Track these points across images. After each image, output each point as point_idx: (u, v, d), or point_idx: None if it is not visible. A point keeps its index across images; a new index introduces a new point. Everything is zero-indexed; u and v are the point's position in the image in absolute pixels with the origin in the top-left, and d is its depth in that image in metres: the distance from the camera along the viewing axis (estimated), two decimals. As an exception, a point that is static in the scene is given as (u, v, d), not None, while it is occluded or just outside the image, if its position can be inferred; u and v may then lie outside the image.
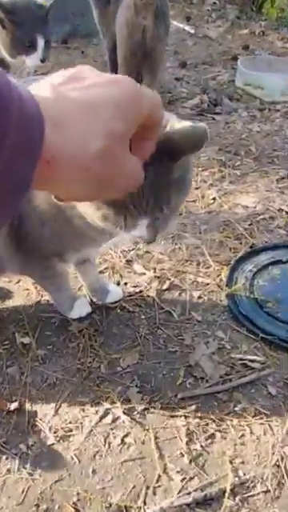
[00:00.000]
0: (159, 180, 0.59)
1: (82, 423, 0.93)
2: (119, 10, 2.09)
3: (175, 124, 0.60)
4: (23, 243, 0.91)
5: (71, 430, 0.92)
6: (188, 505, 0.81)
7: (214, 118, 2.11)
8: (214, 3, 3.57)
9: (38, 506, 0.81)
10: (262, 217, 1.49)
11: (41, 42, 1.41)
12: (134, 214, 0.62)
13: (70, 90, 0.36)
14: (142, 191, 0.60)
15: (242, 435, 0.92)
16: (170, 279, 1.25)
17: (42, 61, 1.42)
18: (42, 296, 1.19)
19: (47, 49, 1.44)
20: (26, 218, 0.87)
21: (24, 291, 1.21)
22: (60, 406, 0.96)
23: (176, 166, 0.60)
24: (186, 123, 0.60)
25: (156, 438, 0.91)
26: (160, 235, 0.68)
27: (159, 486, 0.84)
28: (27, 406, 0.96)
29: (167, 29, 2.08)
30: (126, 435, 0.91)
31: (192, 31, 3.10)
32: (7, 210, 0.33)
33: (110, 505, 0.81)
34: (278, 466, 0.87)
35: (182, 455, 0.88)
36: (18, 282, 1.23)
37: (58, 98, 0.35)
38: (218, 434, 0.92)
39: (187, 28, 3.12)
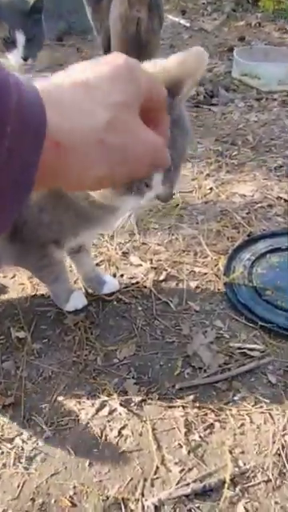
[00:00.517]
0: (175, 123, 0.57)
1: (78, 416, 0.91)
2: (112, 4, 2.08)
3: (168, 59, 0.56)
4: (19, 233, 0.90)
5: (67, 423, 0.90)
6: (187, 496, 0.79)
7: (210, 109, 2.09)
8: (210, -5, 3.55)
9: (33, 500, 0.80)
10: (259, 205, 1.46)
11: (21, 39, 1.32)
12: (150, 177, 0.60)
13: (64, 77, 0.36)
14: None
15: (242, 425, 0.90)
16: (166, 270, 1.23)
17: (24, 59, 1.35)
18: (37, 290, 1.17)
19: (31, 46, 1.37)
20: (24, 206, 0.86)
21: (19, 286, 1.19)
22: (56, 400, 0.94)
23: (175, 102, 0.57)
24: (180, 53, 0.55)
25: (154, 429, 0.89)
26: (176, 188, 0.66)
27: (157, 478, 0.82)
28: (23, 400, 0.94)
29: (161, 21, 2.07)
30: (123, 427, 0.89)
31: (187, 24, 3.07)
32: (15, 199, 0.32)
33: (107, 497, 0.80)
34: (279, 454, 0.85)
35: (181, 446, 0.86)
36: (14, 276, 1.22)
37: (53, 84, 0.35)
38: (217, 424, 0.90)
39: (183, 21, 3.09)
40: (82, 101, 0.34)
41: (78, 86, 0.35)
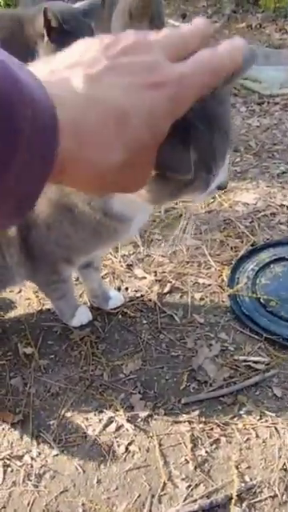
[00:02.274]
0: (226, 109, 0.53)
1: (85, 432, 0.93)
2: (114, 15, 2.09)
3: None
4: (31, 250, 0.91)
5: (75, 440, 0.92)
6: (194, 512, 0.80)
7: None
8: (210, -2, 3.54)
9: (43, 518, 0.81)
10: (262, 213, 1.46)
11: None
12: (218, 163, 0.55)
13: (109, 87, 0.32)
14: (219, 131, 0.52)
15: (248, 439, 0.91)
16: (170, 282, 1.24)
17: None
18: (43, 305, 1.19)
19: None
20: (32, 225, 0.87)
21: (25, 301, 1.21)
22: (64, 416, 0.96)
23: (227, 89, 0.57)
24: None
25: (160, 445, 0.90)
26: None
27: (164, 494, 0.83)
28: (31, 417, 0.96)
29: (162, 27, 2.07)
30: (130, 443, 0.90)
31: (188, 28, 3.06)
32: (11, 221, 0.33)
33: (116, 515, 0.81)
34: (286, 469, 0.86)
35: (187, 462, 0.87)
36: (20, 291, 1.23)
37: (89, 100, 0.31)
38: (222, 439, 0.91)
39: (183, 25, 3.09)
40: (105, 131, 0.31)
41: (112, 111, 0.31)
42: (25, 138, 0.27)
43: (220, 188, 0.62)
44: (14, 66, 0.27)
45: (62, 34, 1.40)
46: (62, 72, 0.32)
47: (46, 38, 1.43)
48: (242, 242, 1.36)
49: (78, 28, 1.43)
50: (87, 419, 0.95)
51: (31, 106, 0.27)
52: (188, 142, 0.50)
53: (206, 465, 0.87)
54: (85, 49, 0.34)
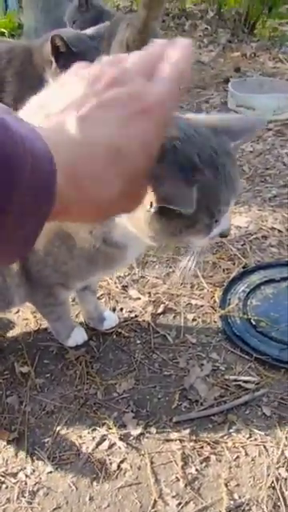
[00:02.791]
0: (233, 161, 0.58)
1: (79, 450, 0.95)
2: (113, 45, 2.19)
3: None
4: (28, 273, 0.95)
5: (69, 458, 0.94)
6: (183, 530, 0.82)
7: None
8: (206, 29, 3.69)
9: (36, 535, 0.83)
10: (254, 236, 1.51)
11: None
12: (221, 210, 0.58)
13: (101, 124, 0.34)
14: (225, 180, 0.56)
15: (237, 457, 0.93)
16: (164, 303, 1.27)
17: None
18: (40, 325, 1.23)
19: None
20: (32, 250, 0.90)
21: (23, 321, 1.24)
22: (58, 434, 0.98)
23: (235, 146, 0.60)
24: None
25: (152, 462, 0.92)
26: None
27: (155, 512, 0.85)
28: (26, 434, 0.98)
29: None
30: (122, 461, 0.93)
31: (185, 57, 3.19)
32: (12, 259, 0.35)
33: (107, 532, 0.83)
34: (274, 487, 0.88)
35: (178, 479, 0.89)
36: (18, 311, 1.27)
37: (84, 138, 0.33)
38: (212, 457, 0.93)
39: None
40: (104, 173, 0.33)
41: (108, 149, 0.33)
42: (23, 188, 0.29)
43: (222, 235, 0.65)
44: (13, 122, 0.30)
45: (71, 57, 1.46)
46: (56, 117, 0.35)
47: (54, 65, 1.51)
48: (234, 264, 1.40)
49: (87, 50, 1.50)
50: (81, 437, 0.97)
51: (31, 158, 0.29)
52: (191, 181, 0.55)
53: (196, 482, 0.89)
54: (73, 88, 0.37)
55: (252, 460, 0.92)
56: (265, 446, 0.94)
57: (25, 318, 1.25)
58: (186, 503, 0.86)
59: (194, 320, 1.23)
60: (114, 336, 1.19)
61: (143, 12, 1.92)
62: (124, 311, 1.26)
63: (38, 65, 1.58)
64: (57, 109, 0.36)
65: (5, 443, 0.97)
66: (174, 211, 0.54)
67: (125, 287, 1.34)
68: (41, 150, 0.31)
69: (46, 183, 0.31)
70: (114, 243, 0.82)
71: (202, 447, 0.94)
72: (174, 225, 0.59)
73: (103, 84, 0.36)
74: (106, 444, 0.96)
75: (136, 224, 0.65)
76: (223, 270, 1.38)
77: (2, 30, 3.73)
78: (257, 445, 0.95)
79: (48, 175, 0.31)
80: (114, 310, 1.26)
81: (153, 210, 0.56)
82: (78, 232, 0.83)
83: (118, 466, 0.92)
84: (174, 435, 0.96)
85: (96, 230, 0.81)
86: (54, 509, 0.86)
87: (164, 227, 0.59)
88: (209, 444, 0.95)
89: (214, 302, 1.27)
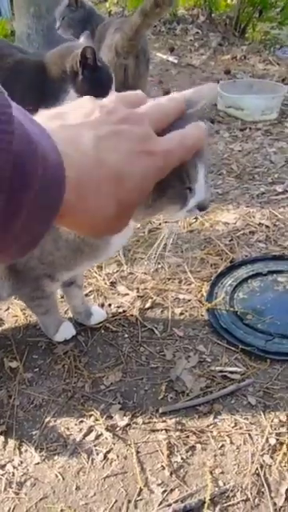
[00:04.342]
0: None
1: (66, 441, 0.96)
2: (102, 49, 2.23)
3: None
4: (14, 266, 0.96)
5: (56, 449, 0.95)
6: (168, 516, 0.83)
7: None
8: (197, 33, 3.74)
9: (23, 524, 0.84)
10: (242, 232, 1.53)
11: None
12: (189, 175, 0.57)
13: (112, 150, 0.36)
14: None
15: (222, 446, 0.94)
16: (152, 298, 1.29)
17: None
18: (29, 322, 1.24)
19: None
20: None
21: (13, 318, 1.26)
22: (46, 426, 0.99)
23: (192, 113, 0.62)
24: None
25: (138, 452, 0.93)
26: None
27: (140, 500, 0.86)
28: (14, 427, 0.99)
29: (148, 64, 2.21)
30: (108, 451, 0.94)
31: (175, 61, 3.24)
32: (14, 258, 0.36)
33: (93, 520, 0.84)
34: (258, 474, 0.89)
35: (163, 468, 0.91)
36: (8, 309, 1.29)
37: (95, 162, 0.35)
38: (198, 446, 0.94)
39: (171, 58, 3.26)
40: (104, 190, 0.36)
41: (113, 174, 0.36)
42: (33, 193, 0.30)
43: (200, 208, 0.64)
44: (28, 126, 0.30)
45: (95, 71, 1.55)
46: (71, 128, 0.36)
47: (80, 76, 1.54)
48: (222, 259, 1.42)
49: (106, 67, 1.60)
50: (68, 429, 0.98)
51: (43, 165, 0.30)
52: None
53: (182, 471, 0.90)
54: (87, 110, 0.39)
55: (237, 448, 0.93)
56: (250, 434, 0.95)
57: (14, 315, 1.27)
58: (171, 491, 0.87)
59: (181, 314, 1.24)
60: (102, 331, 1.20)
61: (138, 19, 1.93)
62: (112, 307, 1.28)
63: (54, 77, 1.59)
64: (73, 121, 0.37)
65: (-7, 436, 0.98)
66: None
67: (113, 283, 1.35)
68: (52, 157, 0.32)
69: (55, 190, 0.32)
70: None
71: (187, 436, 0.96)
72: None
73: (118, 117, 0.38)
74: (92, 435, 0.97)
75: None
76: (211, 265, 1.40)
77: (-4, 37, 3.78)
78: (242, 433, 0.96)
79: (58, 182, 0.32)
80: (102, 305, 1.27)
81: None
82: None
83: (105, 456, 0.93)
84: (160, 425, 0.97)
85: None
86: (41, 499, 0.87)
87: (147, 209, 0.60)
88: (194, 433, 0.96)
89: (202, 296, 1.29)
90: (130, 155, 0.37)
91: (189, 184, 0.61)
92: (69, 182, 0.33)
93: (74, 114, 0.38)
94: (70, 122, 0.37)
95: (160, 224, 1.60)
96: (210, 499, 0.85)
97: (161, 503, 0.85)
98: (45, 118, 0.37)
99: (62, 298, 1.25)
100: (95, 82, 1.57)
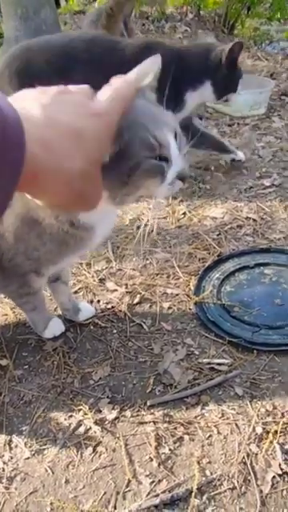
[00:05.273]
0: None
1: (55, 436, 0.97)
2: (84, 24, 2.37)
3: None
4: (2, 264, 0.96)
5: (46, 444, 0.96)
6: (156, 506, 0.84)
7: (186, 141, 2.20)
8: (186, 30, 3.75)
9: (13, 518, 0.85)
10: (229, 226, 1.55)
11: None
12: (157, 139, 0.57)
13: (61, 113, 0.43)
14: (144, 112, 0.58)
15: (210, 436, 0.95)
16: (140, 293, 1.30)
17: None
18: (19, 320, 1.25)
19: None
20: (1, 238, 0.92)
21: (2, 316, 1.27)
22: (35, 422, 1.00)
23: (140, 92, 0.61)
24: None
25: (126, 445, 0.95)
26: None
27: (129, 491, 0.87)
28: (5, 424, 1.00)
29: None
30: (97, 444, 0.95)
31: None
32: None
33: (82, 512, 0.85)
34: (245, 463, 0.90)
35: (151, 459, 0.92)
36: (-3, 308, 1.30)
37: (49, 120, 0.41)
38: (186, 437, 0.95)
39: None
40: (69, 147, 0.41)
41: (72, 133, 0.42)
42: None
43: (182, 178, 0.62)
44: None
45: (235, 67, 1.68)
46: (20, 102, 0.42)
47: (222, 70, 1.64)
48: (210, 253, 1.43)
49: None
50: (58, 424, 0.99)
51: (2, 121, 0.35)
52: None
53: (169, 462, 0.91)
54: (26, 93, 0.45)
55: (224, 438, 0.95)
56: (237, 424, 0.97)
57: (4, 313, 1.28)
58: (159, 481, 0.88)
59: (169, 308, 1.25)
60: (91, 327, 1.21)
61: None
62: (101, 303, 1.29)
63: (195, 67, 1.65)
64: (18, 99, 0.43)
65: (-17, 433, 0.99)
66: (110, 161, 0.53)
67: (102, 280, 1.36)
68: (11, 116, 0.37)
69: (16, 139, 0.37)
70: (80, 225, 0.85)
71: (175, 428, 0.97)
72: (117, 172, 0.57)
73: (55, 91, 0.46)
74: (81, 429, 0.98)
75: None
76: (199, 260, 1.41)
77: (-15, 39, 3.78)
78: (229, 423, 0.97)
79: (18, 133, 0.37)
80: (91, 302, 1.28)
81: None
82: (45, 218, 0.86)
83: (94, 449, 0.94)
84: (148, 418, 0.99)
85: (62, 215, 0.84)
86: (31, 493, 0.88)
87: (111, 179, 0.57)
88: (182, 425, 0.97)
89: (190, 290, 1.30)
90: (78, 115, 0.43)
91: (160, 150, 0.59)
92: (29, 135, 0.38)
93: (19, 97, 0.45)
94: (16, 99, 0.43)
95: (148, 221, 1.61)
96: (197, 488, 0.86)
97: (149, 494, 0.86)
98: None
99: (51, 295, 1.26)
100: (231, 78, 1.64)
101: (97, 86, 0.50)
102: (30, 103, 0.42)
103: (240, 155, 1.89)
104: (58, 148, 0.40)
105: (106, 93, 0.48)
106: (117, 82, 0.50)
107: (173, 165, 0.59)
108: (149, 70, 0.60)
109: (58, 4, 4.06)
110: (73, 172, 0.42)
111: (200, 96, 1.68)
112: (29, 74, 1.56)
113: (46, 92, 0.45)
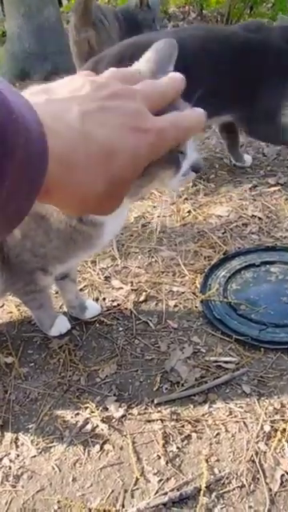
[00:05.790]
0: None
1: (62, 434, 0.97)
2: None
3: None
4: (7, 260, 0.96)
5: (52, 442, 0.96)
6: (164, 504, 0.84)
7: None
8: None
9: (20, 516, 0.84)
10: (235, 224, 1.54)
11: None
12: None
13: (100, 125, 0.36)
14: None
15: (218, 434, 0.95)
16: (146, 291, 1.30)
17: None
18: (24, 317, 1.24)
19: None
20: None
21: (7, 314, 1.26)
22: (42, 420, 1.00)
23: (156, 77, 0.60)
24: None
25: (134, 442, 0.94)
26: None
27: (137, 489, 0.87)
28: (11, 422, 1.00)
29: (110, 31, 2.40)
30: (104, 442, 0.94)
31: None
32: (4, 230, 0.35)
33: (90, 510, 0.84)
34: (253, 461, 0.89)
35: (159, 457, 0.91)
36: (2, 306, 1.29)
37: (82, 135, 0.35)
38: (193, 435, 0.95)
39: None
40: (93, 165, 0.35)
41: (100, 149, 0.35)
42: (17, 161, 0.30)
43: (196, 169, 0.61)
44: (11, 97, 0.30)
45: None
46: (57, 103, 0.36)
47: None
48: (215, 251, 1.43)
49: None
50: (64, 421, 0.99)
51: (25, 135, 0.30)
52: None
53: (177, 459, 0.91)
54: (77, 85, 0.38)
55: (232, 436, 0.94)
56: (244, 422, 0.96)
57: (9, 311, 1.27)
58: (167, 479, 0.88)
59: (175, 306, 1.25)
60: (97, 324, 1.21)
61: None
62: (107, 301, 1.28)
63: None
64: (60, 96, 0.37)
65: (-11, 431, 0.98)
66: None
67: (107, 278, 1.36)
68: (34, 127, 0.32)
69: (38, 159, 0.32)
70: (89, 221, 0.84)
71: (182, 426, 0.96)
72: None
73: (108, 92, 0.37)
74: (88, 427, 0.97)
75: None
76: (204, 258, 1.40)
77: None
78: (237, 421, 0.96)
79: (41, 152, 0.32)
80: (97, 300, 1.28)
81: None
82: (53, 213, 0.85)
83: (101, 447, 0.94)
84: (156, 416, 0.98)
85: None
86: (38, 491, 0.88)
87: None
88: (189, 422, 0.96)
89: (196, 288, 1.29)
90: (120, 131, 0.36)
91: (181, 147, 0.59)
92: (53, 153, 0.32)
93: (62, 89, 0.38)
94: (56, 96, 0.37)
95: (153, 218, 1.61)
96: (205, 487, 0.85)
97: (157, 492, 0.86)
98: (31, 92, 0.37)
99: (57, 293, 1.25)
100: None
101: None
102: (67, 106, 0.35)
103: (247, 161, 1.89)
104: (82, 168, 0.35)
105: (173, 113, 0.41)
106: (191, 110, 0.43)
107: (187, 155, 0.59)
108: (168, 60, 0.59)
109: (60, 3, 4.06)
110: (91, 194, 0.37)
111: None
112: None
113: (100, 89, 0.37)
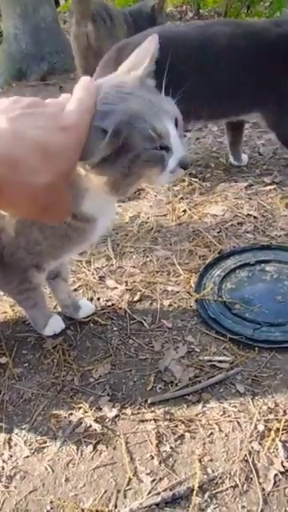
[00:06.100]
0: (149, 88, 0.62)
1: (55, 434, 0.96)
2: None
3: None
4: (1, 258, 0.95)
5: (46, 442, 0.95)
6: (157, 504, 0.83)
7: (185, 135, 2.19)
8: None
9: (12, 516, 0.84)
10: (230, 223, 1.54)
11: None
12: (157, 131, 0.57)
13: (28, 127, 0.43)
14: (144, 102, 0.58)
15: (211, 434, 0.94)
16: (141, 291, 1.29)
17: None
18: (18, 317, 1.24)
19: None
20: (1, 232, 0.91)
21: (2, 314, 1.26)
22: (35, 420, 0.99)
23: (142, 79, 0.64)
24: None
25: (127, 442, 0.94)
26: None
27: (130, 489, 0.86)
28: (4, 422, 0.99)
29: (111, 29, 2.40)
30: (97, 442, 0.94)
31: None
32: None
33: (83, 510, 0.84)
34: (246, 460, 0.89)
35: (152, 457, 0.91)
36: (-4, 306, 1.29)
37: (15, 134, 0.41)
38: (187, 435, 0.94)
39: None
40: (34, 161, 0.41)
41: (39, 147, 0.42)
42: None
43: (184, 166, 0.61)
44: None
45: None
46: None
47: None
48: (210, 250, 1.42)
49: None
50: (58, 422, 0.98)
51: None
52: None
53: (171, 459, 0.90)
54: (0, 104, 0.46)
55: (226, 435, 0.94)
56: (238, 422, 0.96)
57: (3, 311, 1.27)
58: (160, 479, 0.87)
59: (170, 306, 1.24)
60: (91, 324, 1.20)
61: None
62: (101, 300, 1.28)
63: None
64: None
65: (-18, 431, 0.98)
66: (110, 156, 0.57)
67: (102, 278, 1.36)
68: None
69: None
70: (83, 217, 0.84)
71: (176, 426, 0.96)
72: (119, 165, 0.58)
73: (25, 104, 0.46)
74: (82, 427, 0.97)
75: (97, 185, 0.66)
76: (199, 257, 1.40)
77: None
78: (230, 421, 0.96)
79: None
80: (91, 300, 1.28)
81: (87, 166, 0.58)
82: None
83: (94, 448, 0.93)
84: (149, 415, 0.98)
85: None
86: (31, 491, 0.87)
87: (113, 172, 0.58)
88: (183, 422, 0.96)
89: (190, 287, 1.29)
90: (46, 130, 0.43)
91: (160, 141, 0.58)
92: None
93: None
94: None
95: (148, 218, 1.60)
96: (198, 486, 0.85)
97: (150, 492, 0.85)
98: None
99: (50, 293, 1.25)
100: None
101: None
102: None
103: (244, 160, 1.89)
104: (23, 163, 0.41)
105: (72, 103, 0.49)
106: (80, 92, 0.51)
107: (174, 153, 0.59)
108: (145, 55, 0.60)
109: (57, 2, 4.05)
110: (37, 187, 0.42)
111: None
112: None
113: (17, 103, 0.45)
